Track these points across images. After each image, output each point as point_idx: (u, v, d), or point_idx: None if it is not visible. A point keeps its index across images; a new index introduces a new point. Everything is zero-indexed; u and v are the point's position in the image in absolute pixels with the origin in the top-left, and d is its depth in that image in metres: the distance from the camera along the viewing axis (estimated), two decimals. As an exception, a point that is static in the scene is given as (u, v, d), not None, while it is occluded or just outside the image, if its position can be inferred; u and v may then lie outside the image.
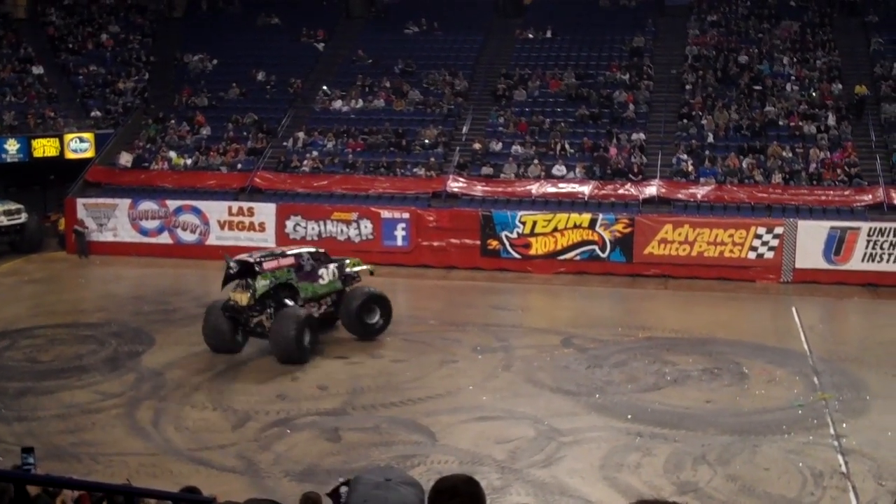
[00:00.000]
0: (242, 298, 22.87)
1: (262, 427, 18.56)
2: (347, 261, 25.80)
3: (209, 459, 17.04)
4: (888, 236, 30.30)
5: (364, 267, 26.25)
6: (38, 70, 42.12)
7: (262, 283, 22.94)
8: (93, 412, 19.45)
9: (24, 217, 35.80)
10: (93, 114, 40.52)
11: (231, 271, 23.09)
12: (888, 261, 30.34)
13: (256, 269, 22.96)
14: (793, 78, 37.67)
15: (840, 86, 36.88)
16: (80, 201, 35.90)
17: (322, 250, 25.44)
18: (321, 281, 24.36)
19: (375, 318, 24.56)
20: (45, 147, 38.50)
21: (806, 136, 34.75)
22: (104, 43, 44.67)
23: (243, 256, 23.79)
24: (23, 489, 6.90)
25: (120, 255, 34.70)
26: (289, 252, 24.59)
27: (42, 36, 44.79)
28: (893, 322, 27.24)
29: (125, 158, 37.69)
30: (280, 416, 19.03)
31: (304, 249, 25.00)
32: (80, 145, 38.94)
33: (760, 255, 31.12)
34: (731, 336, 24.96)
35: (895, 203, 31.71)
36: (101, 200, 35.94)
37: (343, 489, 8.67)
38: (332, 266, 24.79)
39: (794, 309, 27.87)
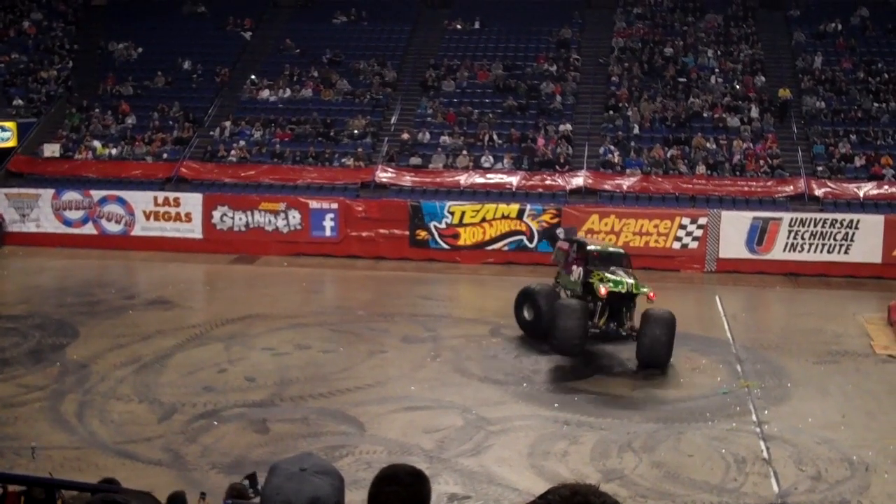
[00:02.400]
0: None
1: (188, 419, 18.41)
2: (604, 274, 22.08)
3: (135, 452, 16.86)
4: (809, 227, 30.93)
5: (620, 287, 21.84)
6: (-43, 57, 41.26)
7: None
8: (16, 406, 19.13)
9: (-57, 208, 35.06)
10: (15, 102, 39.68)
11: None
12: (809, 251, 30.97)
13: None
14: (717, 70, 38.27)
15: (763, 78, 37.52)
16: (1, 191, 35.21)
17: (596, 248, 23.65)
18: (570, 276, 23.58)
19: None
20: (-35, 136, 37.75)
21: (729, 128, 35.32)
22: (26, 30, 43.82)
23: None
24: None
25: (43, 246, 34.06)
26: (575, 239, 25.64)
27: (-39, 23, 43.87)
28: (814, 310, 27.78)
29: (50, 150, 37.01)
30: (207, 408, 18.89)
31: (593, 246, 23.92)
32: (1, 135, 38.10)
33: (685, 246, 31.59)
34: (657, 325, 25.26)
35: (816, 194, 32.38)
36: (23, 191, 35.27)
37: (245, 482, 8.73)
38: (580, 269, 23.21)
39: (717, 298, 28.32)
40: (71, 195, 34.81)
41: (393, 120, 37.81)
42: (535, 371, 21.48)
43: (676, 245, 31.63)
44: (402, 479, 3.93)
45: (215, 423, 18.29)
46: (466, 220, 32.43)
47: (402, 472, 3.98)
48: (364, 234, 33.10)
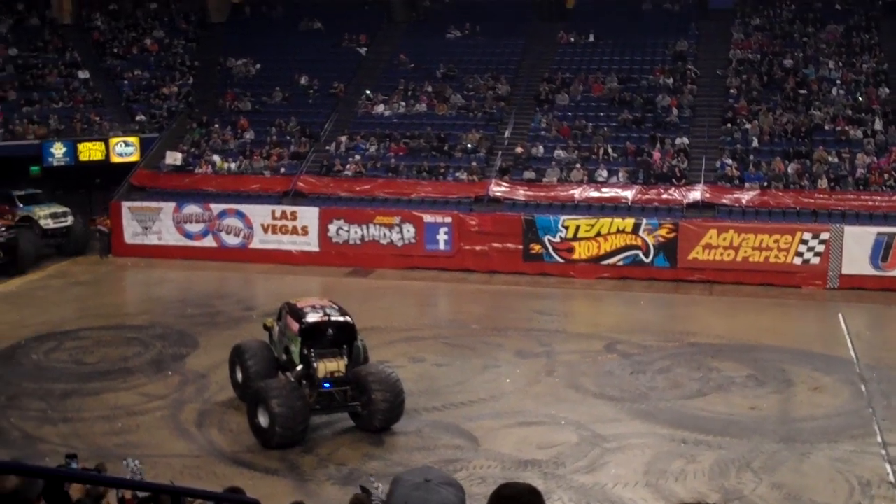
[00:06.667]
0: None
1: (304, 430, 18.58)
2: None
3: (252, 461, 17.12)
4: (936, 242, 29.93)
5: None
6: (83, 75, 42.57)
7: None
8: (137, 414, 19.60)
9: (70, 220, 36.11)
10: (138, 118, 40.87)
11: None
12: (936, 267, 29.96)
13: None
14: (838, 82, 37.30)
15: (887, 90, 36.46)
16: (125, 204, 36.17)
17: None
18: None
19: None
20: (90, 151, 38.92)
21: (852, 141, 34.38)
22: (148, 48, 45.06)
23: None
24: (63, 492, 6.95)
25: (164, 257, 34.88)
26: None
27: (88, 41, 45.28)
28: (942, 329, 26.89)
29: (172, 157, 37.83)
30: (323, 419, 19.05)
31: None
32: (125, 149, 39.28)
33: (806, 261, 30.80)
34: (777, 342, 24.72)
35: (943, 208, 31.32)
36: (145, 204, 36.19)
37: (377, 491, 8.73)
38: None
39: (840, 315, 27.55)
40: (191, 208, 35.57)
41: (507, 134, 37.75)
42: (652, 388, 21.17)
43: (797, 261, 30.86)
44: (526, 499, 3.88)
45: (330, 434, 18.45)
46: (581, 234, 32.16)
47: (524, 491, 3.93)
48: (478, 247, 33.09)
